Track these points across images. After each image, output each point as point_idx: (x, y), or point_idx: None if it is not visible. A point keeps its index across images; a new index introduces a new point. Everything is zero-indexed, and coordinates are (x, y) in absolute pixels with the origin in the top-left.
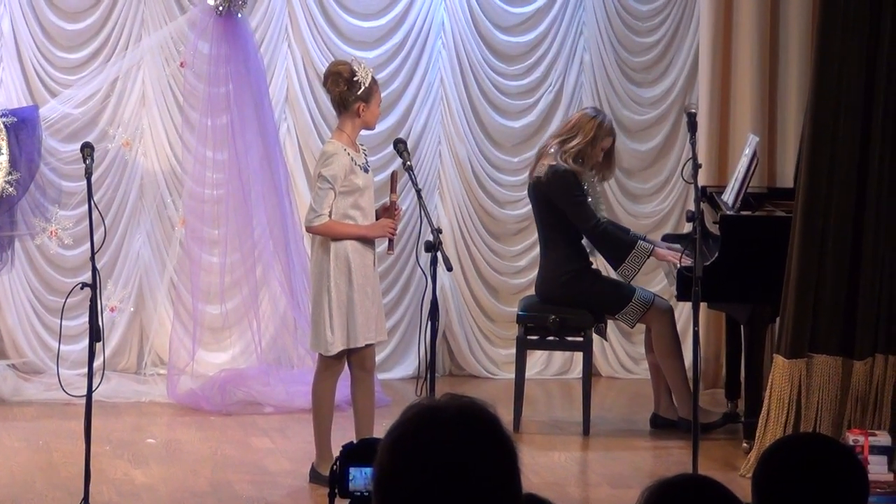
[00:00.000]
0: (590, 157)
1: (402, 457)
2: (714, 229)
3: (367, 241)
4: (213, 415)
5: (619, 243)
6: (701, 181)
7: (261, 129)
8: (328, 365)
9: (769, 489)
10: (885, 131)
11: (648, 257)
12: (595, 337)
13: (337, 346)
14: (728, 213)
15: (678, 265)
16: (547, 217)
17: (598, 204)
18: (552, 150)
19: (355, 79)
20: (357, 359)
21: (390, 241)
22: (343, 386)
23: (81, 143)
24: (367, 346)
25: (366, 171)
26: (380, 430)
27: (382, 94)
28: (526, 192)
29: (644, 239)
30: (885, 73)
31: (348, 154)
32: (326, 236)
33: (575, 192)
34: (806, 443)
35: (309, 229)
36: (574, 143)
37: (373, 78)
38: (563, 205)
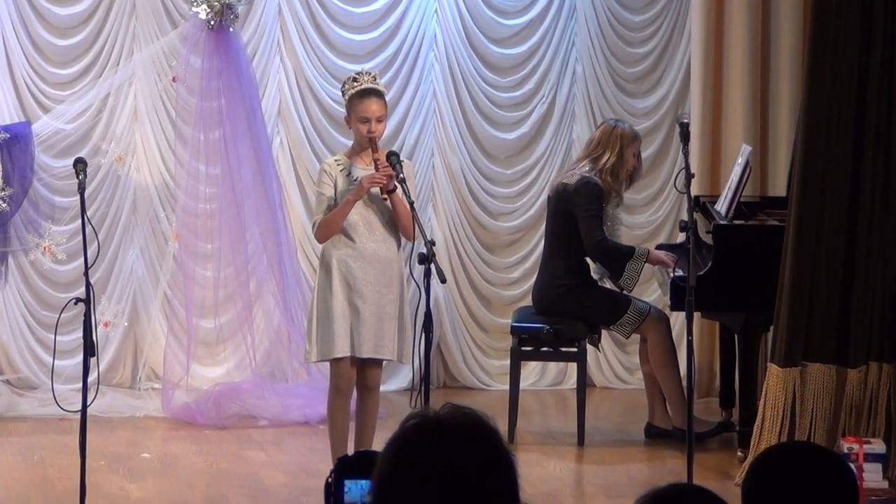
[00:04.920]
0: (625, 167)
1: (402, 469)
2: (707, 239)
3: (368, 254)
4: (207, 429)
5: (620, 255)
6: (694, 191)
7: (253, 142)
8: (331, 378)
9: (759, 498)
10: (877, 140)
11: (645, 262)
12: (589, 347)
13: (313, 356)
14: (721, 222)
15: (671, 273)
16: (559, 225)
17: (614, 230)
18: (586, 167)
19: (342, 89)
20: (360, 375)
21: (382, 188)
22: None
23: (74, 158)
24: (371, 361)
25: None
26: (377, 443)
27: None
28: (519, 203)
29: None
30: (877, 81)
31: (339, 164)
32: (330, 233)
33: (595, 205)
34: (795, 451)
35: (316, 238)
36: (605, 158)
37: (358, 92)
38: (578, 213)
